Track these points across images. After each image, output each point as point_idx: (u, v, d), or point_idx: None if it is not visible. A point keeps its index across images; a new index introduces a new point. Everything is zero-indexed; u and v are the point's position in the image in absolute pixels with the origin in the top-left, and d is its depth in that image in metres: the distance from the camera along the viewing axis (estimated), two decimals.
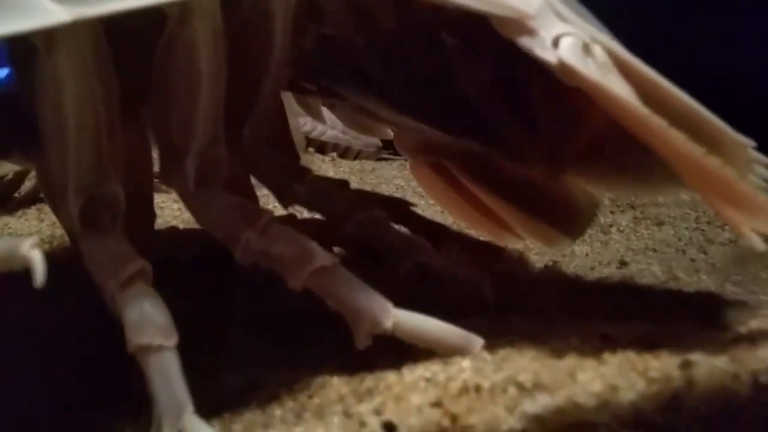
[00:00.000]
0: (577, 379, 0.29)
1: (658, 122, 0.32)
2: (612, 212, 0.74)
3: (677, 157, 0.33)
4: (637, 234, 0.68)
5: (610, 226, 0.70)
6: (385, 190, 0.85)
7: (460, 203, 0.52)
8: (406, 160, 1.08)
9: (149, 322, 0.30)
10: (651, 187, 0.44)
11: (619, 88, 0.33)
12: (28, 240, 0.28)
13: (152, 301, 0.30)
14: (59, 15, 0.27)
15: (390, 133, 0.58)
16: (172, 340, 0.30)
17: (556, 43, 0.34)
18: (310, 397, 0.33)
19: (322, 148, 1.16)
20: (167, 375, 0.29)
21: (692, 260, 0.59)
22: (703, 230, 0.69)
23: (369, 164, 1.08)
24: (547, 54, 0.33)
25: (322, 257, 0.34)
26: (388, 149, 1.18)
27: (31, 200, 0.71)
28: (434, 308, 0.35)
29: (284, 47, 0.37)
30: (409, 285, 0.40)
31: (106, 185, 0.33)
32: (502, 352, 0.33)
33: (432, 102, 0.43)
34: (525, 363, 0.31)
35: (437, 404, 0.29)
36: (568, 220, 0.47)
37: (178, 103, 0.34)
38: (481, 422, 0.28)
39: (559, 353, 0.32)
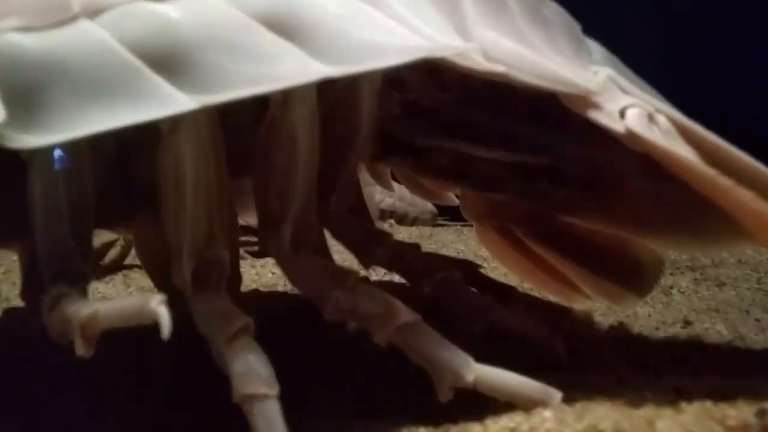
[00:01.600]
0: (656, 427, 0.31)
1: (724, 182, 0.34)
2: (672, 274, 0.75)
3: (746, 215, 0.35)
4: (698, 295, 0.69)
5: (671, 287, 0.70)
6: (446, 254, 0.87)
7: (526, 265, 0.54)
8: (462, 226, 1.12)
9: (254, 373, 0.33)
10: (715, 244, 0.46)
11: (685, 152, 0.36)
12: (157, 297, 0.31)
13: (256, 354, 0.33)
14: (187, 103, 0.31)
15: (452, 200, 0.61)
16: (274, 390, 0.33)
17: (622, 114, 0.37)
18: None
19: (380, 215, 1.19)
20: (271, 422, 0.32)
21: (757, 320, 0.60)
22: (765, 291, 0.69)
23: (426, 230, 1.11)
24: (615, 125, 0.36)
25: (405, 314, 0.37)
26: (444, 216, 1.21)
27: (115, 267, 0.76)
28: (508, 365, 0.37)
29: (370, 123, 0.41)
30: (482, 343, 0.42)
31: (216, 249, 0.36)
32: (579, 404, 0.35)
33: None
34: (604, 412, 0.33)
35: None
36: (633, 278, 0.49)
37: (278, 176, 0.38)
38: None
39: (635, 404, 0.34)
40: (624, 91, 0.38)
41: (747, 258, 0.79)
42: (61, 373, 0.44)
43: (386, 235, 0.45)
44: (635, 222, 0.48)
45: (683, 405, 0.33)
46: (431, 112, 0.45)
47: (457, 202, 0.59)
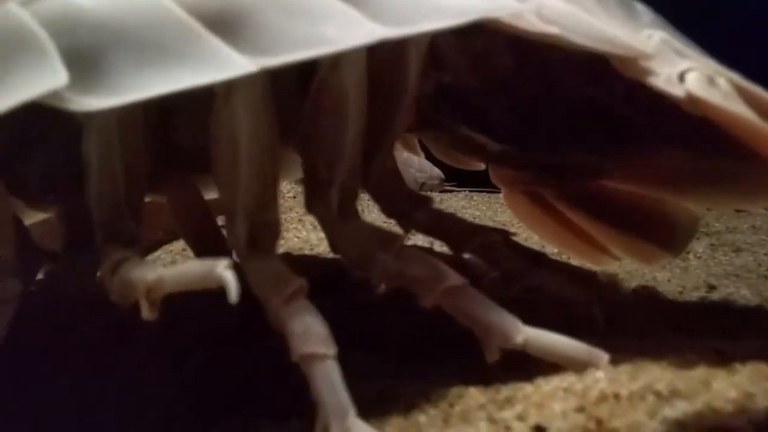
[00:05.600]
0: (711, 387, 0.31)
1: None
2: None
3: None
4: (715, 260, 0.70)
5: (688, 252, 0.71)
6: None
7: (555, 229, 0.54)
8: (470, 191, 1.12)
9: (312, 333, 0.33)
10: (754, 199, 0.47)
11: (748, 114, 0.36)
12: (223, 261, 0.31)
13: (313, 315, 0.33)
14: (247, 66, 0.31)
15: (477, 165, 0.61)
16: (333, 350, 0.33)
17: (681, 78, 0.37)
18: (451, 405, 0.35)
19: None
20: (332, 381, 0.32)
21: None
22: None
23: (435, 197, 1.12)
24: (674, 89, 0.36)
25: (453, 277, 0.37)
26: (451, 182, 1.21)
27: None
28: (544, 328, 0.37)
29: (414, 90, 0.41)
30: (516, 308, 0.43)
31: (269, 212, 0.36)
32: (629, 365, 0.35)
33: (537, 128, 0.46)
34: (659, 373, 0.33)
35: (580, 410, 0.31)
36: (666, 236, 0.50)
37: (326, 140, 0.38)
38: (625, 426, 0.30)
39: (684, 365, 0.35)
40: (679, 53, 0.38)
41: (760, 224, 0.80)
42: (93, 341, 0.44)
43: (426, 200, 0.45)
44: (668, 183, 0.48)
45: (737, 366, 0.33)
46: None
47: (482, 167, 0.59)
